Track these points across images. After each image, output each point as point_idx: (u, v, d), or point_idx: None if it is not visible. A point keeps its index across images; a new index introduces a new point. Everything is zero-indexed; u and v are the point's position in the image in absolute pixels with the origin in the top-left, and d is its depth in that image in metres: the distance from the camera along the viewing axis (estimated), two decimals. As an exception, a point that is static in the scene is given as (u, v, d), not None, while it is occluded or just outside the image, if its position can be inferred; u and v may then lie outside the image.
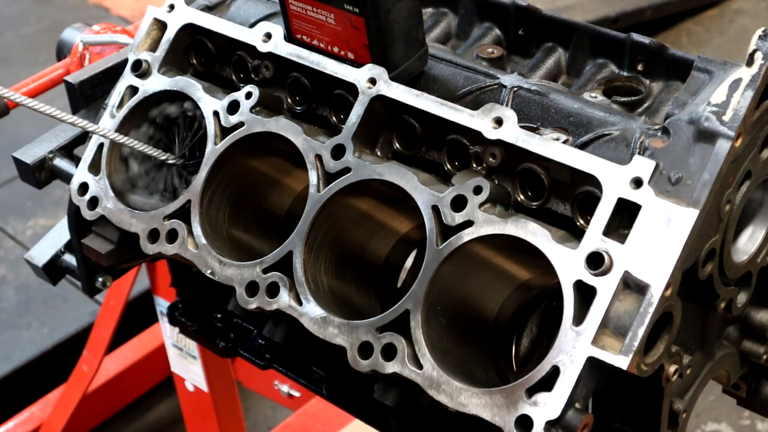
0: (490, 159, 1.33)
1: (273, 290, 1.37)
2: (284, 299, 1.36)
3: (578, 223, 1.29)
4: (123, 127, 1.56)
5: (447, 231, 1.29)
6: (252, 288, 1.39)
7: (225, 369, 2.71)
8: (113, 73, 1.67)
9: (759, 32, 1.22)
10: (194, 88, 1.53)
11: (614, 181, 1.21)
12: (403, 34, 1.40)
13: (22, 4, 5.84)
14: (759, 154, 1.28)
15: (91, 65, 1.80)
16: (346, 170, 1.38)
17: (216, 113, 1.49)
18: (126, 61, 1.61)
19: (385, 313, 1.29)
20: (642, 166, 1.20)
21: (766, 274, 1.42)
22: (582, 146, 1.31)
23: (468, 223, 1.28)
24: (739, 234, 1.36)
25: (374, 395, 1.53)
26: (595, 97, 1.41)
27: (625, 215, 1.21)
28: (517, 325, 1.43)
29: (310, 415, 2.67)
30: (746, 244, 1.37)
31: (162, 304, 2.51)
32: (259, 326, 1.69)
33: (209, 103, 1.50)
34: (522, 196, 1.34)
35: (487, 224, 1.27)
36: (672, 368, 1.24)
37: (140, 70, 1.58)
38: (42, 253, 1.85)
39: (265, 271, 1.39)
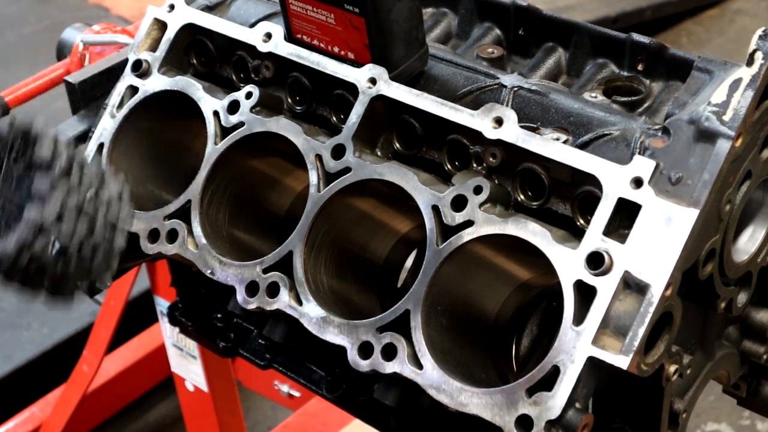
0: (491, 159, 1.33)
1: (273, 290, 1.37)
2: (284, 299, 1.36)
3: (578, 223, 1.29)
4: (123, 127, 1.56)
5: (447, 231, 1.29)
6: (252, 288, 1.39)
7: (225, 369, 2.71)
8: (113, 73, 1.67)
9: (759, 32, 1.22)
10: (194, 88, 1.53)
11: (614, 180, 1.21)
12: (403, 34, 1.40)
13: (22, 4, 5.83)
14: (759, 154, 1.28)
15: (91, 65, 1.80)
16: (347, 170, 1.38)
17: (216, 113, 1.49)
18: (126, 61, 1.61)
19: (385, 313, 1.29)
20: (642, 165, 1.20)
21: (766, 274, 1.42)
22: (582, 146, 1.31)
23: (468, 223, 1.28)
24: (739, 234, 1.36)
25: (374, 395, 1.53)
26: (596, 97, 1.41)
27: (625, 215, 1.21)
28: (517, 325, 1.43)
29: (310, 415, 2.67)
30: (746, 244, 1.37)
31: (162, 304, 2.51)
32: (259, 326, 1.69)
33: (209, 103, 1.50)
34: (522, 196, 1.34)
35: (487, 224, 1.27)
36: (672, 368, 1.24)
37: (140, 70, 1.58)
38: (42, 253, 1.85)
39: (265, 271, 1.39)
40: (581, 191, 1.28)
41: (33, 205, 1.15)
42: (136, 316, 3.13)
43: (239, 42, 1.54)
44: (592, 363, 1.17)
